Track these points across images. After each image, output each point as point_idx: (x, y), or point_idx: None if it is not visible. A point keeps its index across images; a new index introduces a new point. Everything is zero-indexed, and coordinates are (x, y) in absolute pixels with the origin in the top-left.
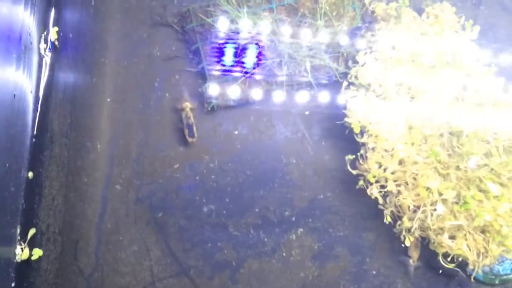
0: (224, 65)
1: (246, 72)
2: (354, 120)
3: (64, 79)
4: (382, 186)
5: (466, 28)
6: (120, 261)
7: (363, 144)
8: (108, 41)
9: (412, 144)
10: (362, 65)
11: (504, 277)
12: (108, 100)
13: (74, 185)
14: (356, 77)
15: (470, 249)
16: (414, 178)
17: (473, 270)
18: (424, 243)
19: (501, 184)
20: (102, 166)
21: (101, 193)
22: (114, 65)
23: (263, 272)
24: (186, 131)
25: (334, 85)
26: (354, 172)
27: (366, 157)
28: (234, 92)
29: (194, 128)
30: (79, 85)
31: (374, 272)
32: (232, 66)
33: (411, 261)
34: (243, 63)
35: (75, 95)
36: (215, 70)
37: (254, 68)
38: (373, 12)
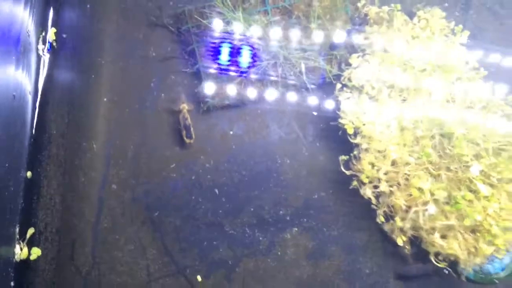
0: (219, 66)
1: (241, 73)
2: (348, 121)
3: (62, 79)
4: (375, 187)
5: (456, 32)
6: (117, 260)
7: (357, 145)
8: (104, 42)
9: (404, 145)
10: (355, 68)
11: (495, 275)
12: (105, 100)
13: (71, 184)
14: (349, 79)
15: (461, 249)
16: (406, 179)
17: (464, 269)
18: (416, 242)
19: (491, 185)
20: (99, 165)
21: (98, 192)
22: (110, 66)
23: (258, 271)
24: (184, 132)
25: (328, 87)
26: (348, 172)
27: (359, 157)
28: (229, 92)
29: (192, 129)
30: (77, 86)
31: (367, 271)
32: (227, 67)
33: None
34: (238, 64)
35: (72, 95)
36: (211, 71)
37: (249, 69)
38: (366, 15)
